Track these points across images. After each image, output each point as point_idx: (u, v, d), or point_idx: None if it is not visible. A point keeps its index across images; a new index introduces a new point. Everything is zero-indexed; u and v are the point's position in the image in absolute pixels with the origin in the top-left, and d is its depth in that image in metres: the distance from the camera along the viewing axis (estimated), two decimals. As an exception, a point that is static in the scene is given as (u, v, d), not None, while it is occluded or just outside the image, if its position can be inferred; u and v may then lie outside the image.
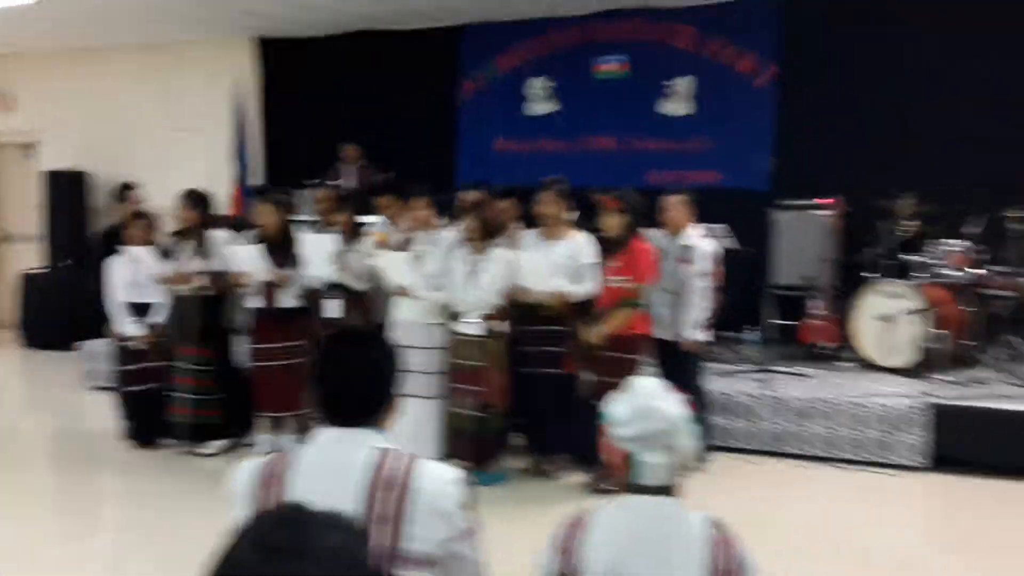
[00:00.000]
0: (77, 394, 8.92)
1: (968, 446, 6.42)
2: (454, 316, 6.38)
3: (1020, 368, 7.19)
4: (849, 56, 8.75)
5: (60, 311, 11.02)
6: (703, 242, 6.49)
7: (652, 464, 2.10)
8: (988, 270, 7.54)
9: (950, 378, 7.15)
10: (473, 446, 6.31)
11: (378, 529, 2.12)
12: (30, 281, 11.51)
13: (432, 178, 7.43)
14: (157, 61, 11.81)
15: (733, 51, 9.33)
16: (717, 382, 7.26)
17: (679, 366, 6.52)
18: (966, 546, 5.35)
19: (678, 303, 6.42)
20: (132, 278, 6.94)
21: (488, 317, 6.24)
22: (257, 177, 10.98)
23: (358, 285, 6.88)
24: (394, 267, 6.45)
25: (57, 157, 12.21)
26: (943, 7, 8.42)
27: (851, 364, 7.82)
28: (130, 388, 7.02)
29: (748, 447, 6.99)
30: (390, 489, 2.14)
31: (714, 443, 6.97)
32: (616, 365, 6.00)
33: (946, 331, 7.31)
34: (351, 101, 10.66)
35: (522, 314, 6.40)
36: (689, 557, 2.05)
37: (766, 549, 4.94)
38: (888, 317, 7.49)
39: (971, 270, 7.55)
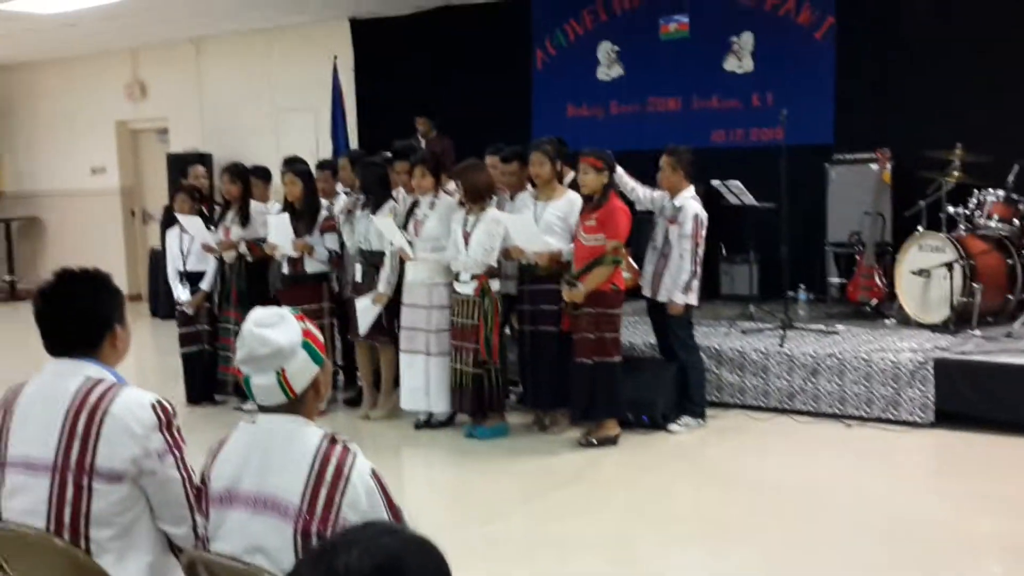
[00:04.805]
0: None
1: (970, 401, 6.21)
2: (455, 277, 6.65)
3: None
4: (900, 9, 8.44)
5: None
6: (692, 204, 6.46)
7: (261, 386, 2.32)
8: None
9: (981, 334, 6.86)
10: (474, 400, 6.58)
11: (74, 447, 2.48)
12: (156, 256, 12.50)
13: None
14: (260, 46, 12.54)
15: (792, 4, 9.12)
16: (738, 340, 7.24)
17: (665, 326, 6.60)
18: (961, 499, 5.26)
19: (664, 263, 6.46)
20: (185, 248, 7.56)
21: (480, 277, 6.48)
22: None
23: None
24: (391, 232, 6.76)
25: (184, 141, 13.20)
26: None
27: (893, 321, 7.59)
28: (185, 350, 7.65)
29: (761, 404, 6.95)
30: (88, 412, 2.48)
31: (726, 400, 7.00)
32: (596, 321, 6.14)
33: (981, 285, 7.00)
34: (433, 74, 11.03)
35: (521, 273, 6.62)
36: (294, 464, 2.26)
37: (762, 500, 5.03)
38: (925, 271, 7.24)
39: (1011, 221, 7.19)
